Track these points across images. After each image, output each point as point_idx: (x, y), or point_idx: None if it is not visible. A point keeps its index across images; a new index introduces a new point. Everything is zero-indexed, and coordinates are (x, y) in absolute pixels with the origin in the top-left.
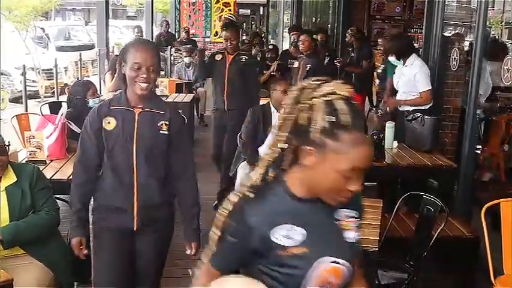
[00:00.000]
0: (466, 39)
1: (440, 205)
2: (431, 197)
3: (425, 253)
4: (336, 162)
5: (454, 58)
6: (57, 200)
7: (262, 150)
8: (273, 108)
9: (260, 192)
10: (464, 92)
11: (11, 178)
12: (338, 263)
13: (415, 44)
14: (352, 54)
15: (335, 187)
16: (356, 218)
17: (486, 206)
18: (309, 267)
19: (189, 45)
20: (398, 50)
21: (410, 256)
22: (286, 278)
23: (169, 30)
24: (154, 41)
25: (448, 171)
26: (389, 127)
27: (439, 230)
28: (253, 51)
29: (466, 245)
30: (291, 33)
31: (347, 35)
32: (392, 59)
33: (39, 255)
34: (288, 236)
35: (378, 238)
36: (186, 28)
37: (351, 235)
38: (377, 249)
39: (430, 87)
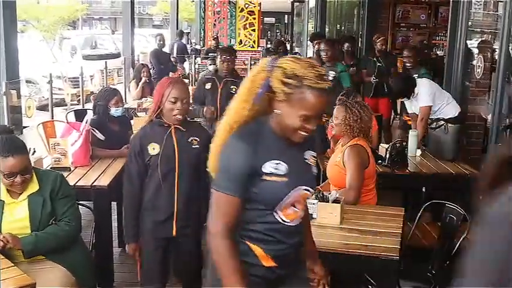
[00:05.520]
0: (493, 46)
1: (463, 214)
2: (455, 206)
3: (447, 262)
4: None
5: (479, 65)
6: (80, 206)
7: None
8: None
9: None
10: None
11: (33, 186)
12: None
13: (439, 52)
14: (379, 64)
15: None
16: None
17: None
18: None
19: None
20: (404, 94)
21: (432, 266)
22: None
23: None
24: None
25: (472, 180)
26: (413, 135)
27: (461, 239)
28: None
29: None
30: (314, 42)
31: (378, 42)
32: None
33: (61, 262)
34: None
35: (398, 247)
36: (215, 36)
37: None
38: (398, 257)
39: (429, 104)
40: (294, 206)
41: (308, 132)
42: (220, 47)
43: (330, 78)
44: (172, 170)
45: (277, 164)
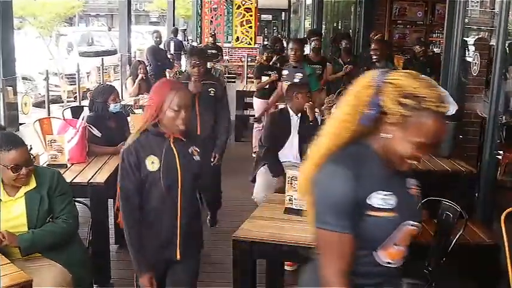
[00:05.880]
0: (489, 44)
1: (460, 211)
2: (451, 203)
3: (443, 259)
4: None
5: (475, 63)
6: (76, 203)
7: (283, 154)
8: (291, 113)
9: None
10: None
11: (31, 184)
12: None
13: (435, 49)
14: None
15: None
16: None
17: (506, 211)
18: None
19: (213, 51)
20: None
21: (429, 262)
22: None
23: (178, 38)
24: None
25: (469, 177)
26: None
27: (457, 236)
28: (273, 58)
29: (486, 251)
30: (311, 39)
31: (374, 40)
32: None
33: (59, 258)
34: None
35: None
36: (213, 33)
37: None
38: None
39: None
40: (397, 244)
41: (418, 161)
42: (191, 48)
43: (296, 80)
44: (174, 186)
45: (386, 195)
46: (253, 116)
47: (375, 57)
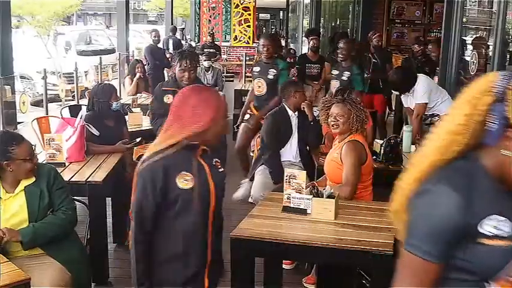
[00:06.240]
0: (487, 43)
1: None
2: None
3: None
4: None
5: (473, 62)
6: (74, 202)
7: (283, 153)
8: (290, 112)
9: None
10: None
11: (30, 178)
12: None
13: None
14: (374, 60)
15: None
16: None
17: None
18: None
19: (212, 50)
20: (399, 89)
21: None
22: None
23: (177, 36)
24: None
25: None
26: (407, 131)
27: None
28: None
29: None
30: (309, 38)
31: (374, 38)
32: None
33: (57, 256)
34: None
35: (392, 242)
36: (211, 32)
37: None
38: (392, 252)
39: (424, 101)
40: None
41: None
42: (181, 50)
43: (270, 76)
44: (207, 204)
45: (500, 222)
46: (252, 115)
47: (340, 56)
